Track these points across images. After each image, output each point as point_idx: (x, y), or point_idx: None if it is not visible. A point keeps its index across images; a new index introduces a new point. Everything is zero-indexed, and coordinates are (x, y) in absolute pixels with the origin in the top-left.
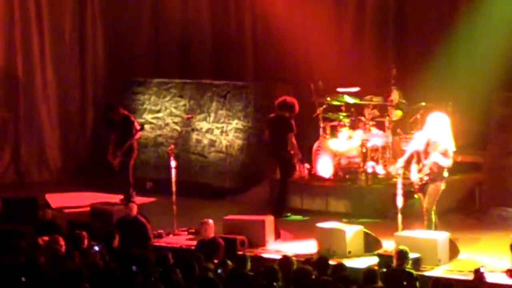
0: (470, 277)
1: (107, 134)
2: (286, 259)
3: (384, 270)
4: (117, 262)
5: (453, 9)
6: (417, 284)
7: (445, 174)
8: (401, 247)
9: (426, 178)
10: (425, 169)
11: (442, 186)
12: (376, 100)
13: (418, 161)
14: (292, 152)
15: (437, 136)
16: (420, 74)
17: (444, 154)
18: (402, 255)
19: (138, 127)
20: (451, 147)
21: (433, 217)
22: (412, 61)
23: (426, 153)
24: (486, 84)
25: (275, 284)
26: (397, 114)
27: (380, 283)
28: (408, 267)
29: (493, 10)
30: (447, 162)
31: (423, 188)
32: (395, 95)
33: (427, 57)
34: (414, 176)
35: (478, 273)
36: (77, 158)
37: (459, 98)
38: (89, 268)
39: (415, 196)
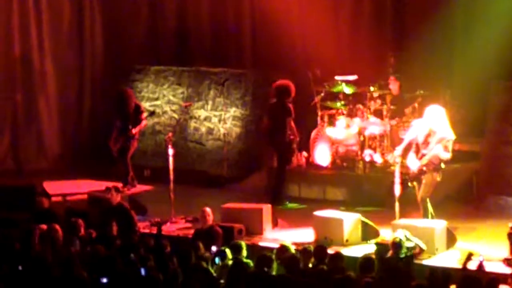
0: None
1: (115, 120)
2: (283, 248)
3: (381, 258)
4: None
5: None
6: (413, 271)
7: (442, 166)
8: (397, 238)
9: (424, 168)
10: (424, 159)
11: (438, 177)
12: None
13: (416, 150)
14: (291, 136)
15: (439, 128)
16: (418, 62)
17: (445, 147)
18: (396, 245)
19: (144, 116)
20: (452, 137)
21: (429, 206)
22: (410, 49)
23: (426, 144)
24: (484, 73)
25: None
26: None
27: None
28: (404, 252)
29: None
30: (447, 155)
31: (418, 177)
32: (394, 85)
33: (425, 45)
34: (411, 165)
35: (469, 259)
36: (75, 146)
37: (457, 86)
38: (87, 256)
39: (409, 184)
